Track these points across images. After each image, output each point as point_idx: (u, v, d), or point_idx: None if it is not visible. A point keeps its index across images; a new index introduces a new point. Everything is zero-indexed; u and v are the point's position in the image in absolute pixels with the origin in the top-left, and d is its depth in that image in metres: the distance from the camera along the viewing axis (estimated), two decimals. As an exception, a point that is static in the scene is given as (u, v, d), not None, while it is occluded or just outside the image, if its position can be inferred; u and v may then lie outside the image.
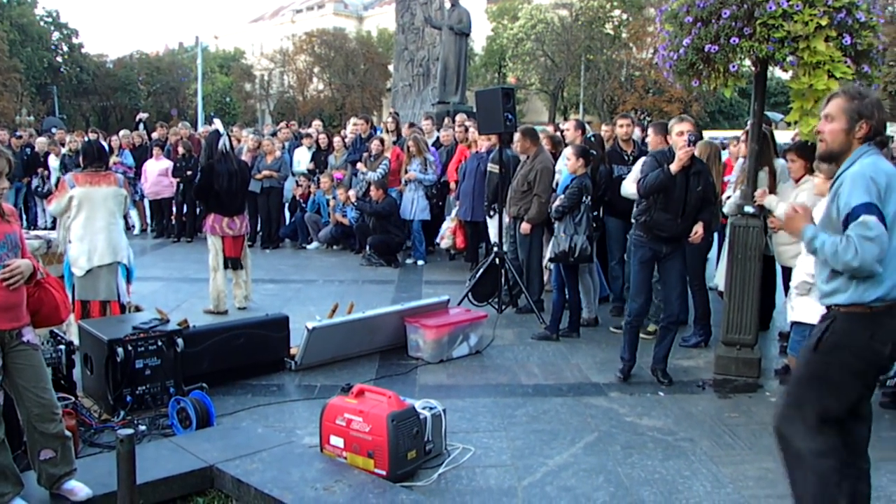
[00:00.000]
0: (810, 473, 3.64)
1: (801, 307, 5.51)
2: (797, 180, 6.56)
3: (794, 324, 5.62)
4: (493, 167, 9.57)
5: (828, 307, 3.65)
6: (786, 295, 6.67)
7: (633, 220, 6.80)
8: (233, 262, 8.87)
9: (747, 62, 6.35)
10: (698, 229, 6.52)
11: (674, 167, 6.17)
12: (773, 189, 6.81)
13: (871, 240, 3.34)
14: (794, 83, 6.02)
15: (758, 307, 6.72)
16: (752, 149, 6.65)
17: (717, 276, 7.49)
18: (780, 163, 7.02)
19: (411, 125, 14.68)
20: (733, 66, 6.10)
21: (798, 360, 3.81)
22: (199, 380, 5.87)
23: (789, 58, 5.84)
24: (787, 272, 6.68)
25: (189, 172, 13.85)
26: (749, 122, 6.89)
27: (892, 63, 36.73)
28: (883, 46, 6.23)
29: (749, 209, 6.59)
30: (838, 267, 3.44)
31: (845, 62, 5.78)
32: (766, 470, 4.92)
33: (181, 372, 5.85)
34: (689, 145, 6.16)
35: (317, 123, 16.61)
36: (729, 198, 7.23)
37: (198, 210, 13.99)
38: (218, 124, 9.72)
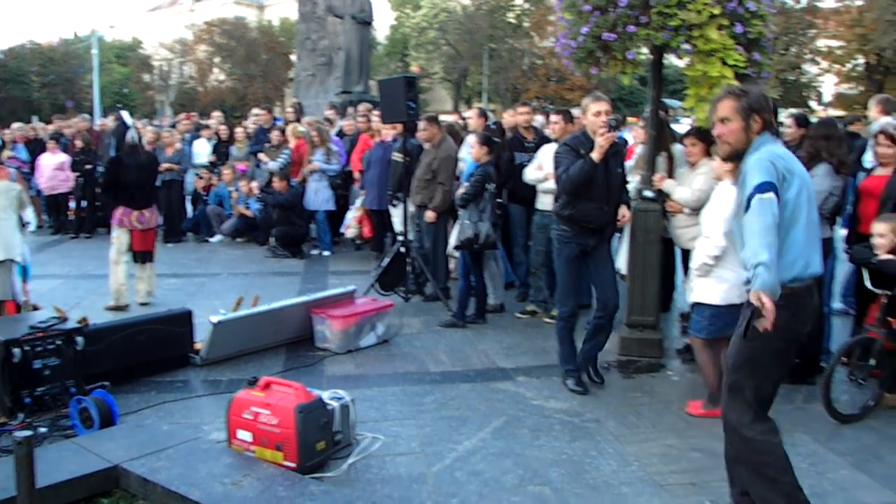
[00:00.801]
0: (764, 455, 3.76)
1: (701, 288, 5.67)
2: (693, 164, 6.74)
3: (694, 304, 5.78)
4: (397, 156, 9.58)
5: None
6: (685, 276, 6.85)
7: (554, 215, 6.27)
8: (142, 256, 8.70)
9: (644, 50, 6.49)
10: (625, 212, 6.35)
11: (595, 156, 5.73)
12: (670, 174, 6.99)
13: (770, 207, 3.47)
14: (689, 70, 6.19)
15: (659, 289, 6.90)
16: (651, 135, 6.81)
17: (619, 259, 7.65)
18: (677, 148, 7.20)
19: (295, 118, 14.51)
20: (630, 54, 6.23)
21: (731, 347, 3.88)
22: (101, 378, 5.72)
23: (684, 46, 6.01)
24: (686, 254, 6.86)
25: (88, 166, 13.47)
26: (647, 109, 7.04)
27: (782, 52, 38.06)
28: (773, 35, 6.45)
29: (648, 193, 6.75)
30: (756, 239, 3.46)
31: (737, 50, 5.97)
32: (670, 447, 5.08)
33: (82, 371, 5.71)
34: (609, 130, 5.72)
35: (217, 114, 16.32)
36: (629, 183, 7.39)
37: (97, 204, 13.67)
38: (125, 116, 9.50)
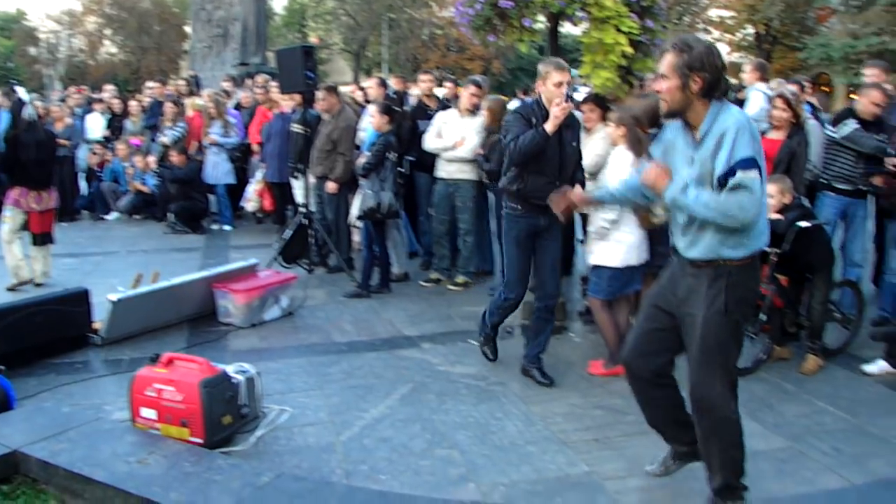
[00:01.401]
0: (732, 434, 3.70)
1: (599, 251, 5.80)
2: (590, 130, 6.86)
3: (593, 267, 5.92)
4: (296, 127, 9.48)
5: (705, 263, 3.60)
6: (584, 240, 6.98)
7: (504, 192, 5.79)
8: (41, 238, 8.41)
9: (541, 18, 6.56)
10: (579, 193, 5.43)
11: (549, 127, 5.29)
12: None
13: (754, 193, 3.34)
14: (585, 38, 6.30)
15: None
16: (548, 102, 6.88)
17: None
18: (575, 115, 7.31)
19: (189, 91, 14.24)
20: (527, 22, 6.30)
21: (703, 328, 3.60)
22: (-5, 362, 5.56)
23: (579, 13, 6.10)
24: (585, 218, 6.99)
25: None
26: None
27: (676, 21, 38.95)
28: (665, 3, 6.61)
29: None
30: (724, 220, 3.40)
31: (631, 17, 6.10)
32: (573, 406, 5.21)
33: (-25, 356, 5.52)
34: (567, 101, 5.34)
35: (110, 88, 15.84)
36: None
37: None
38: (21, 93, 9.16)
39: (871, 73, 7.35)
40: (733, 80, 9.32)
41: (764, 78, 8.50)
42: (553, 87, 5.36)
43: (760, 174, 3.38)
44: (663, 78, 3.52)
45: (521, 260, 5.70)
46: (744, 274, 3.57)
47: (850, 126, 6.69)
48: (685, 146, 3.61)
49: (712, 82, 3.46)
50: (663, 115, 3.67)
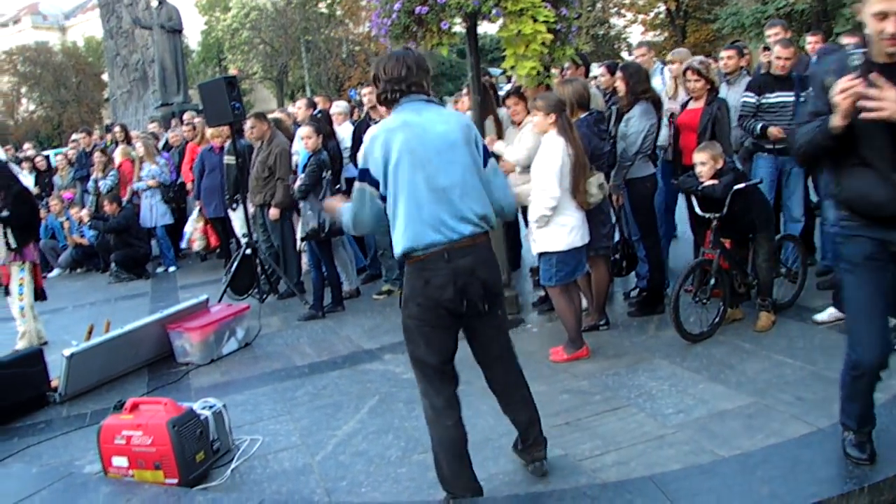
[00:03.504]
0: (430, 426, 3.94)
1: (542, 238, 5.86)
2: (519, 123, 6.94)
3: (540, 255, 5.97)
4: (229, 159, 9.44)
5: None
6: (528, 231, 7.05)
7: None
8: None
9: (458, 20, 6.63)
10: None
11: (836, 121, 3.27)
12: (500, 135, 7.18)
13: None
14: (504, 32, 6.36)
15: (507, 248, 7.09)
16: (475, 100, 6.95)
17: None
18: (502, 111, 7.40)
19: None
20: (444, 24, 6.35)
21: None
22: (-46, 433, 5.46)
23: (494, 10, 6.17)
24: (524, 211, 7.07)
25: None
26: (469, 77, 7.17)
27: (589, 8, 39.42)
28: (578, -10, 6.72)
29: (480, 158, 6.90)
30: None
31: (546, 6, 6.18)
32: (539, 393, 5.18)
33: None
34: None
35: (28, 145, 15.61)
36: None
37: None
38: None
39: (772, 32, 7.55)
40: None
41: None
42: (873, 21, 3.24)
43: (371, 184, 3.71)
44: None
45: (863, 296, 3.61)
46: (410, 273, 3.74)
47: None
48: None
49: (384, 90, 3.76)
50: None
